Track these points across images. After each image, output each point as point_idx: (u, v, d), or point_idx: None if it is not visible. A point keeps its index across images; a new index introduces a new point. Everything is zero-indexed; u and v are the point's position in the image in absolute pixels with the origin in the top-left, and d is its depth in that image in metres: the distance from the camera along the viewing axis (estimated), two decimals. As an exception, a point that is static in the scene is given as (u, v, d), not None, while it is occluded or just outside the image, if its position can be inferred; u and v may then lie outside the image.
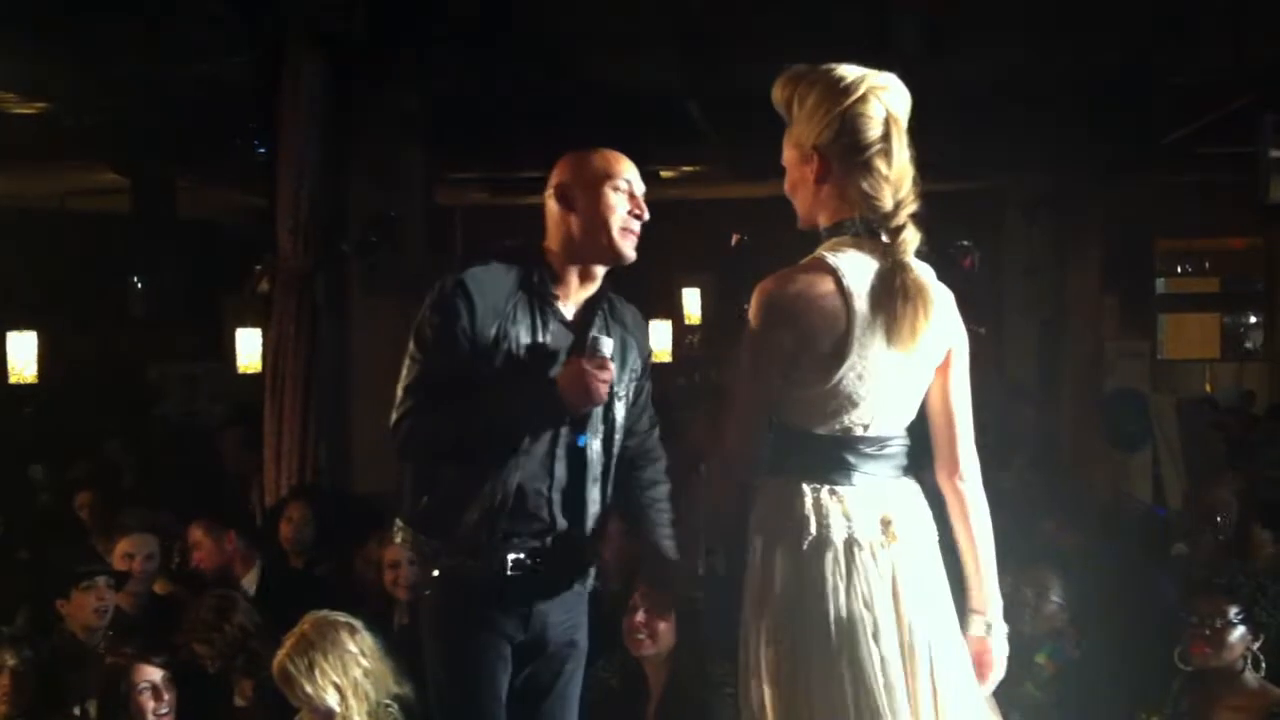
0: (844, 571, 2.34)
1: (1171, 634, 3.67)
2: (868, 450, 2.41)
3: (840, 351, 2.33)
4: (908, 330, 2.34)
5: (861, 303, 2.33)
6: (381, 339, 6.28)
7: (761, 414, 2.39)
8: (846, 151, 2.35)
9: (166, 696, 3.81)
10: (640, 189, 2.94)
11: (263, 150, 7.14)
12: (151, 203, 10.82)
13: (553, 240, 2.94)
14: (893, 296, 2.33)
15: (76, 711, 4.14)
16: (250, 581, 5.35)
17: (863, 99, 2.35)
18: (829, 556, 2.35)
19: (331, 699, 3.45)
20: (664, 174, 10.60)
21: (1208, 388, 13.53)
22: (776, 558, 2.38)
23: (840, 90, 2.35)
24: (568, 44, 7.38)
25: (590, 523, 2.96)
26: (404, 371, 2.89)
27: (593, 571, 3.05)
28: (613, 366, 2.84)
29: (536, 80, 7.73)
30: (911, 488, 2.48)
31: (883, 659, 2.32)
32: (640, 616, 3.85)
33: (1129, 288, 10.82)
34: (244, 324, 9.61)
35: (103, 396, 10.66)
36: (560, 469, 2.91)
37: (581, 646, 3.08)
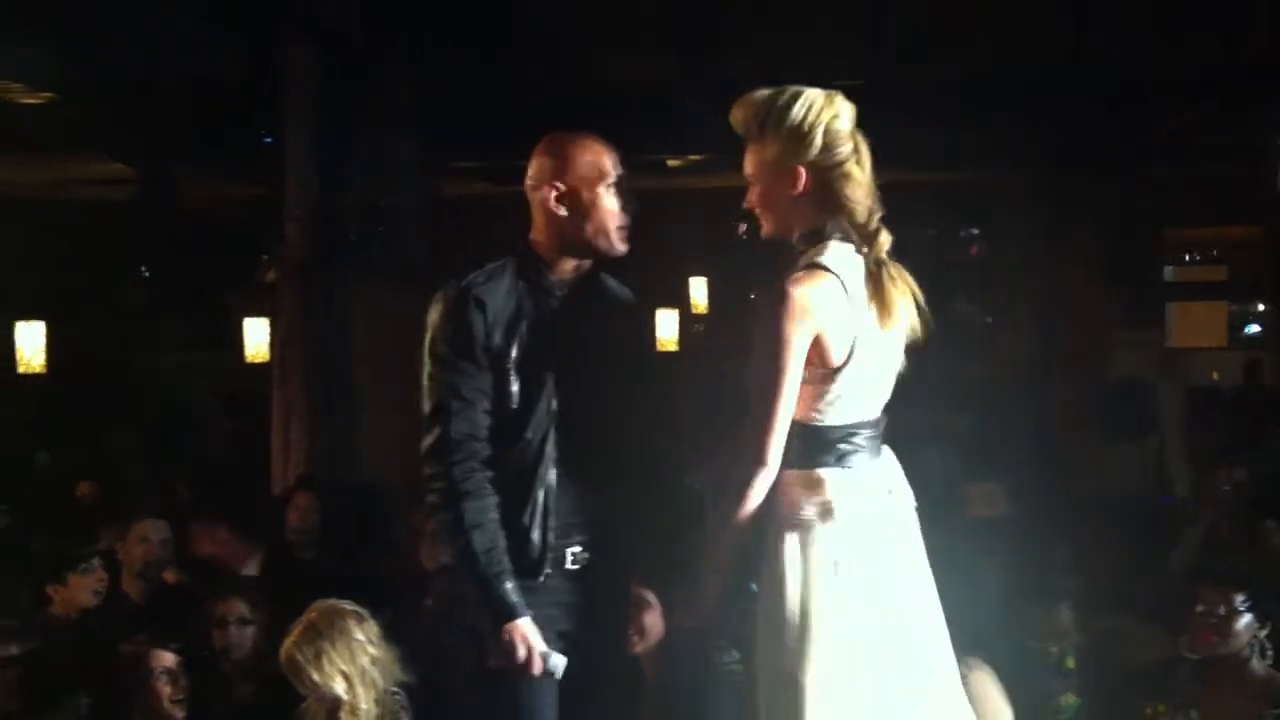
0: (872, 543, 2.55)
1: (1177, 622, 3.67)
2: (870, 433, 2.63)
3: (850, 350, 2.52)
4: (899, 317, 2.58)
5: (860, 302, 2.54)
6: (383, 328, 6.30)
7: (790, 414, 2.53)
8: (828, 164, 2.56)
9: (182, 682, 3.83)
10: (624, 176, 2.90)
11: (269, 140, 7.16)
12: (155, 193, 10.81)
13: (541, 234, 2.92)
14: (882, 289, 2.56)
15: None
16: (248, 572, 5.38)
17: (836, 115, 2.57)
18: (857, 532, 2.54)
19: (339, 687, 3.46)
20: (670, 163, 10.59)
21: (1214, 376, 13.50)
22: (808, 544, 2.54)
23: (818, 109, 2.57)
24: (566, 32, 7.37)
25: (612, 522, 2.92)
26: (427, 392, 2.85)
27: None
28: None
29: (535, 67, 7.72)
30: (892, 455, 2.72)
31: (910, 621, 2.58)
32: None
33: (1135, 276, 10.79)
34: (249, 314, 9.62)
35: (106, 386, 10.67)
36: (557, 474, 2.87)
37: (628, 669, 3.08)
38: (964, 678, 3.27)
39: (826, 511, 2.54)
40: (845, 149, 2.56)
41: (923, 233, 11.13)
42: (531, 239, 2.94)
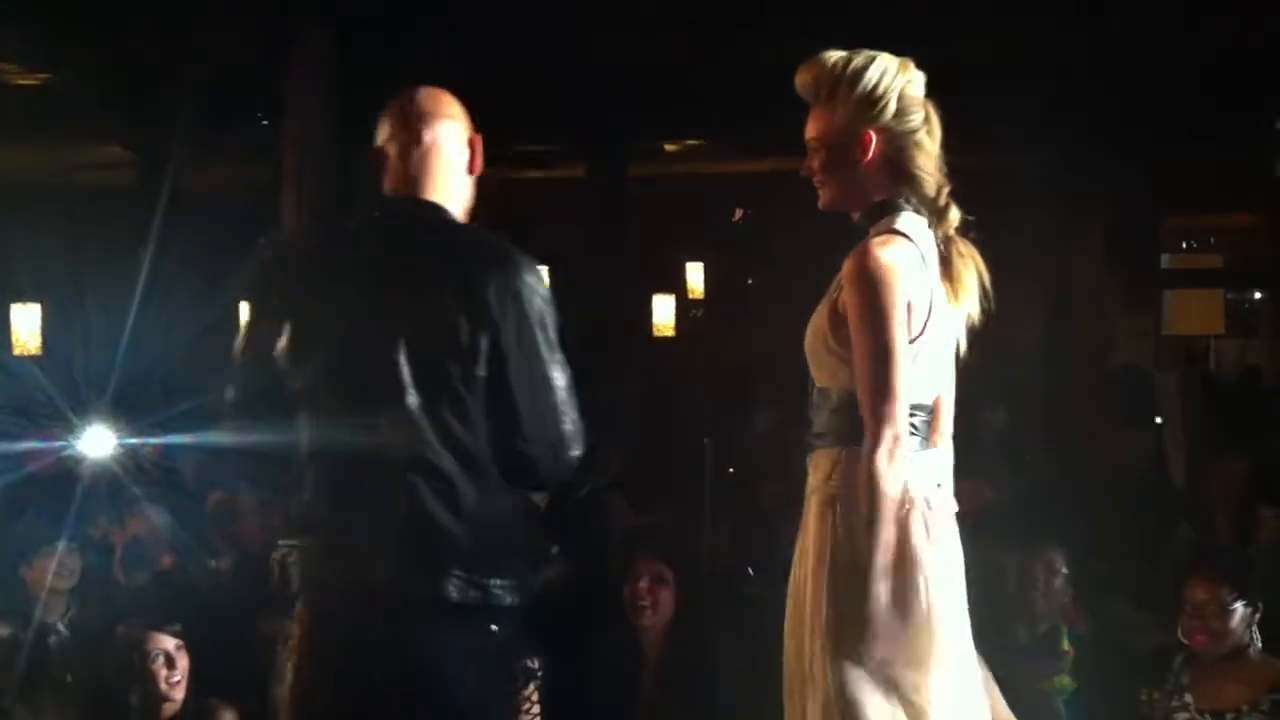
0: (925, 530, 2.41)
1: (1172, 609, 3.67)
2: (925, 417, 2.50)
3: (925, 324, 2.43)
4: (965, 297, 2.51)
5: (934, 273, 2.47)
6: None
7: (909, 383, 2.38)
8: (901, 130, 2.48)
9: (179, 664, 3.85)
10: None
11: (267, 124, 7.14)
12: (156, 176, 10.78)
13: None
14: (952, 266, 2.50)
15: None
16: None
17: (910, 81, 2.49)
18: (916, 516, 2.40)
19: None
20: (668, 148, 10.58)
21: (1211, 364, 13.50)
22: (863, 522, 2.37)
23: (892, 73, 2.48)
24: (574, 16, 7.35)
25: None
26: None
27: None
28: None
29: (542, 53, 7.70)
30: (948, 448, 2.59)
31: (961, 611, 2.46)
32: (644, 584, 3.88)
33: (1133, 263, 10.81)
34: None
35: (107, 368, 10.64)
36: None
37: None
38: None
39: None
40: (918, 116, 2.48)
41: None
42: None
